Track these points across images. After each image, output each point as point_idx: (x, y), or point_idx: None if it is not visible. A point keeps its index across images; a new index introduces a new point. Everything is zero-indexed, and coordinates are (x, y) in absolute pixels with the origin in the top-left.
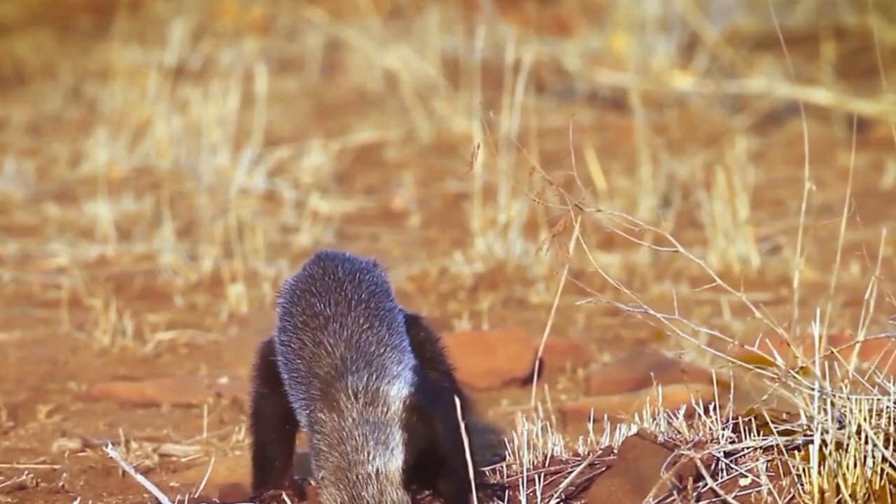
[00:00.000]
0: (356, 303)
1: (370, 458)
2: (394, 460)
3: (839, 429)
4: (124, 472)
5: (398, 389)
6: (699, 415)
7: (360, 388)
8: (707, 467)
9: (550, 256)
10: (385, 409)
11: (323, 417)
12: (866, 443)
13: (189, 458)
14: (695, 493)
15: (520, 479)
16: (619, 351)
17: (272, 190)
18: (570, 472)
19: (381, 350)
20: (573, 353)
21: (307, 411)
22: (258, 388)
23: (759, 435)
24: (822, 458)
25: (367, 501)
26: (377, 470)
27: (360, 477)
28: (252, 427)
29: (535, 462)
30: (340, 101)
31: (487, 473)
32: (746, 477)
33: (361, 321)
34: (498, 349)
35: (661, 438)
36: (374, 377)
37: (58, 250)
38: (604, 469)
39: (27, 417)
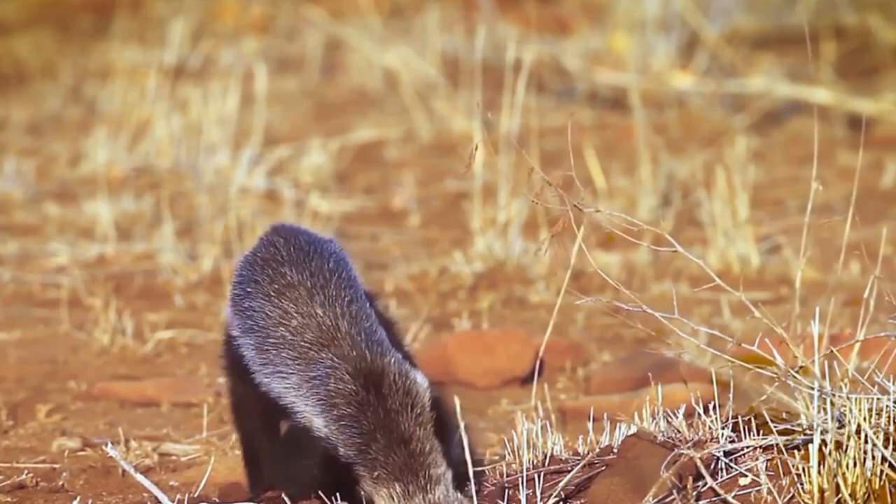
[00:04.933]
0: (330, 273)
1: (434, 463)
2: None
3: (839, 428)
4: (124, 471)
5: (422, 379)
6: (699, 414)
7: (397, 376)
8: (707, 467)
9: (550, 256)
10: (419, 401)
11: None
12: (866, 442)
13: (189, 458)
14: (694, 493)
15: (519, 479)
16: (618, 350)
17: (272, 189)
18: (569, 472)
19: (378, 329)
20: (573, 352)
21: (292, 376)
22: (232, 381)
23: (758, 434)
24: (822, 458)
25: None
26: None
27: (430, 477)
28: (236, 421)
29: (535, 461)
30: (340, 101)
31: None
32: (746, 476)
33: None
34: (498, 348)
35: (660, 438)
36: (397, 362)
37: (58, 250)
38: (603, 468)
39: (27, 417)
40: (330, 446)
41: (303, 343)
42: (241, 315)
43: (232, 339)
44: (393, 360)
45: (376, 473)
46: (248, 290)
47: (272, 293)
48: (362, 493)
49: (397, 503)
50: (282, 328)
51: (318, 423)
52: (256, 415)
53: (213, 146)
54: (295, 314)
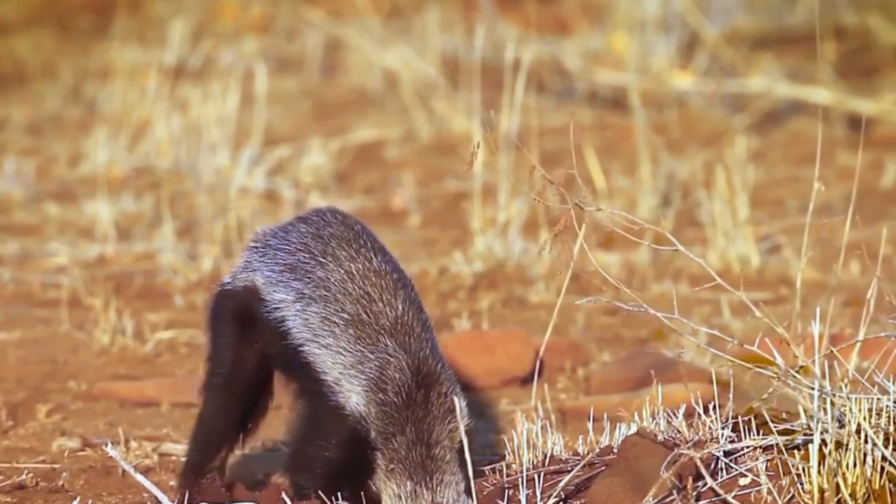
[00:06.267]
0: (404, 274)
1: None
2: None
3: (839, 428)
4: (124, 471)
5: (465, 407)
6: (699, 414)
7: (448, 391)
8: (707, 466)
9: (552, 256)
10: (457, 421)
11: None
12: (866, 442)
13: None
14: (694, 493)
15: (519, 479)
16: (619, 350)
17: (272, 189)
18: (569, 472)
19: (438, 346)
20: (573, 352)
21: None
22: (238, 347)
23: (758, 434)
24: (822, 458)
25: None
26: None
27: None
28: (212, 390)
29: (535, 461)
30: (340, 101)
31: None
32: (746, 476)
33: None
34: (498, 348)
35: (660, 438)
36: (452, 380)
37: (58, 250)
38: (603, 468)
39: (27, 417)
40: (361, 428)
41: (375, 326)
42: (305, 281)
43: (264, 302)
44: (449, 378)
45: (392, 466)
46: (322, 260)
47: (355, 272)
48: (371, 488)
49: (404, 501)
50: (359, 307)
51: (356, 401)
52: (246, 385)
53: (213, 146)
54: (377, 299)
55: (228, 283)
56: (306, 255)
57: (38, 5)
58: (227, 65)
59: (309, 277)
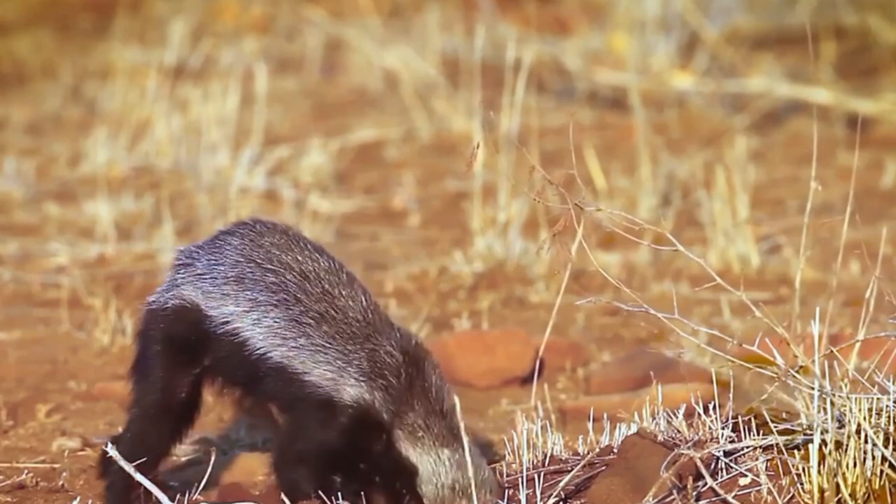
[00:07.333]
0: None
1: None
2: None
3: (839, 428)
4: None
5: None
6: (699, 414)
7: (434, 364)
8: (707, 466)
9: (551, 256)
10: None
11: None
12: (866, 442)
13: (189, 458)
14: (694, 493)
15: (519, 479)
16: (618, 350)
17: (272, 189)
18: (569, 472)
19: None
20: (573, 352)
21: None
22: (170, 368)
23: (758, 434)
24: (822, 458)
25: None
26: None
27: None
28: (146, 413)
29: (535, 461)
30: (340, 101)
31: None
32: (746, 476)
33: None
34: (498, 348)
35: (660, 438)
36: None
37: (58, 250)
38: (603, 468)
39: (27, 417)
40: (373, 414)
41: (346, 320)
42: (257, 290)
43: (209, 318)
44: (426, 349)
45: (419, 434)
46: (271, 266)
47: (309, 273)
48: (372, 490)
49: (447, 467)
50: (324, 303)
51: (356, 392)
52: (178, 406)
53: (213, 146)
54: (339, 294)
55: (156, 302)
56: (250, 265)
57: (38, 5)
58: (227, 65)
59: (261, 285)
